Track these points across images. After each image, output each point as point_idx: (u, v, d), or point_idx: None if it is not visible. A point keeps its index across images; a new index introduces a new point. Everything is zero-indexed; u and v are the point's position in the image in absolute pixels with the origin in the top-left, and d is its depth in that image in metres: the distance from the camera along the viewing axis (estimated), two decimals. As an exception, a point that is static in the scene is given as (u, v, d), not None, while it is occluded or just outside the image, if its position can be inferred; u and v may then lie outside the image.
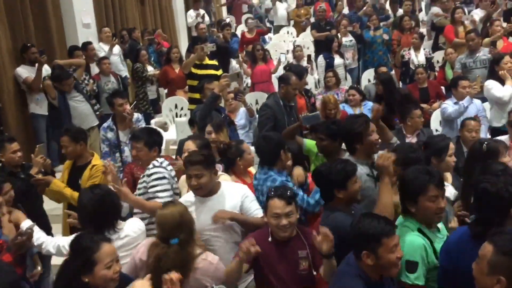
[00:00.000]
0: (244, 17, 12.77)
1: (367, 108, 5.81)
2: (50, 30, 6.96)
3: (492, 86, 5.18)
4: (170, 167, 3.58)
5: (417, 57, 7.11)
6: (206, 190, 3.09)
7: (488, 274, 1.99)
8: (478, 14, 8.23)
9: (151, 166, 3.52)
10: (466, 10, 8.08)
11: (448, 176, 3.49)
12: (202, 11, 11.13)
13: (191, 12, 11.06)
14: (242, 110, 5.95)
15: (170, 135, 6.72)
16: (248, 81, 8.13)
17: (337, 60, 7.47)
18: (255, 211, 3.12)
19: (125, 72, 7.67)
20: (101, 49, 7.41)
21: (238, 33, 10.60)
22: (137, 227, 2.98)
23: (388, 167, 2.48)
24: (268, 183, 3.31)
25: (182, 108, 7.13)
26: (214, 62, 6.37)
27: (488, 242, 2.04)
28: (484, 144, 3.34)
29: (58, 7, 7.18)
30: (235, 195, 3.15)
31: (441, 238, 2.62)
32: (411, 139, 4.66)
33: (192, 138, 3.96)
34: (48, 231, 3.86)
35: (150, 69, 7.64)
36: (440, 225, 2.70)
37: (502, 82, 5.18)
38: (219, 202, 3.10)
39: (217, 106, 4.92)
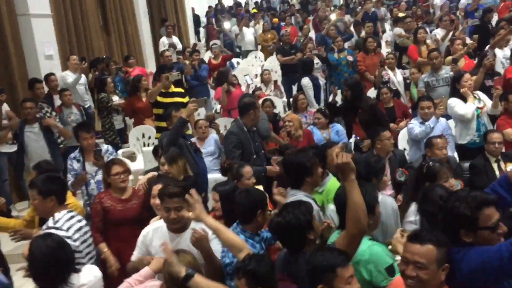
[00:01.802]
0: (211, 43, 12.83)
1: (335, 130, 5.83)
2: (10, 64, 6.80)
3: (455, 104, 5.25)
4: (70, 223, 3.15)
5: (396, 77, 7.20)
6: (182, 225, 2.98)
7: (438, 269, 2.12)
8: (439, 33, 8.46)
9: (44, 226, 3.13)
10: (428, 30, 8.26)
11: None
12: (175, 39, 11.13)
13: (164, 40, 11.05)
14: (212, 136, 5.89)
15: (137, 165, 6.58)
16: (217, 107, 8.10)
17: (304, 80, 7.43)
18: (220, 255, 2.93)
19: (89, 102, 7.53)
20: (68, 76, 7.24)
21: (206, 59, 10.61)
22: (93, 275, 2.77)
23: (350, 163, 2.39)
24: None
25: (149, 137, 7.02)
26: (180, 89, 6.34)
27: (425, 244, 2.13)
28: (425, 165, 3.37)
29: (18, 39, 7.03)
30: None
31: None
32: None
33: None
34: (7, 273, 3.67)
35: (116, 98, 7.52)
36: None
37: (465, 99, 5.27)
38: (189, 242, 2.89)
39: (183, 132, 4.86)
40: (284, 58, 8.89)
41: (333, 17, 11.62)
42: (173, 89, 6.09)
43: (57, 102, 6.78)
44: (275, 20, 13.68)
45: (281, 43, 9.75)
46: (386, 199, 3.39)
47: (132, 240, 3.25)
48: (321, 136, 5.70)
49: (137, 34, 11.42)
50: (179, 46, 10.68)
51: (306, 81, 7.30)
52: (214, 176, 5.16)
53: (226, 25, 13.15)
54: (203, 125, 5.92)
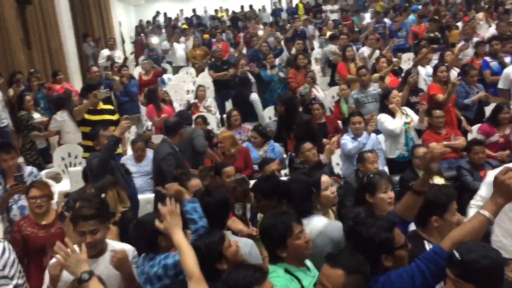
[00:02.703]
0: (140, 58, 12.53)
1: (271, 148, 5.81)
2: None
3: (384, 119, 5.43)
4: None
5: (319, 93, 7.35)
6: (98, 249, 2.77)
7: None
8: (365, 51, 8.78)
9: None
10: (354, 48, 8.54)
11: (331, 212, 3.46)
12: (118, 53, 10.73)
13: (105, 52, 10.62)
14: (149, 156, 5.68)
15: (63, 187, 6.19)
16: (148, 124, 7.86)
17: (253, 95, 7.40)
18: None
19: (7, 121, 7.03)
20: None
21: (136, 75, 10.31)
22: None
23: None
24: (155, 269, 2.69)
25: (76, 157, 6.65)
26: (109, 106, 6.07)
27: (335, 268, 2.10)
28: (365, 177, 3.39)
29: None
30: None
31: (311, 275, 2.56)
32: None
33: None
34: None
35: (37, 116, 7.06)
36: (309, 263, 2.66)
37: (393, 115, 5.46)
38: (108, 266, 2.74)
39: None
40: (216, 74, 8.83)
41: (261, 33, 11.77)
42: (102, 106, 5.82)
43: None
44: (206, 36, 13.63)
45: (213, 59, 9.69)
46: (317, 222, 3.04)
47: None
48: (257, 154, 5.67)
49: (61, 48, 10.87)
50: (120, 61, 10.29)
51: (254, 96, 7.28)
52: (147, 197, 4.96)
53: (154, 40, 12.88)
54: (140, 148, 5.70)
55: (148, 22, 18.70)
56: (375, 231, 2.25)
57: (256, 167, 5.27)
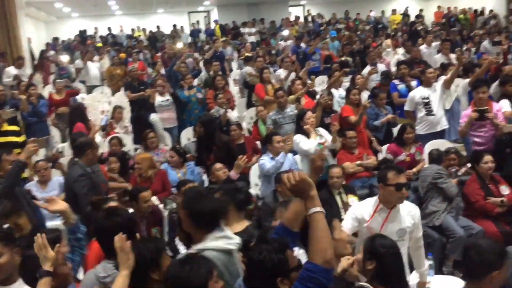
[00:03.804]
0: (51, 77, 11.92)
1: (190, 170, 5.73)
2: None
3: (299, 140, 5.55)
4: None
5: (232, 114, 7.40)
6: (3, 275, 2.52)
7: None
8: (281, 73, 9.02)
9: None
10: (271, 70, 8.75)
11: None
12: (28, 72, 10.08)
13: (11, 70, 9.92)
14: (56, 179, 5.36)
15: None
16: (59, 146, 7.46)
17: (153, 116, 7.24)
18: None
19: None
20: None
21: (46, 94, 9.77)
22: None
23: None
24: None
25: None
26: (15, 127, 5.70)
27: None
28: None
29: None
30: None
31: None
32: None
33: None
34: None
35: None
36: None
37: (308, 135, 5.60)
38: None
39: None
40: (133, 94, 8.61)
41: (179, 45, 11.70)
42: (6, 127, 5.47)
43: None
44: (122, 55, 13.29)
45: (129, 79, 9.44)
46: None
47: None
48: (176, 176, 5.56)
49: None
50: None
51: (153, 117, 7.13)
52: (55, 223, 4.65)
53: (64, 58, 12.33)
54: (42, 167, 5.36)
55: (56, 39, 17.87)
56: (266, 254, 2.21)
57: (174, 189, 5.18)
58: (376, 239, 2.79)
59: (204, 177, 5.87)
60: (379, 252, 2.69)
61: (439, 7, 21.08)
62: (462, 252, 2.61)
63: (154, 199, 4.87)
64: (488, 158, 4.93)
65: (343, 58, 10.97)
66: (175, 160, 5.65)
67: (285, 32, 15.75)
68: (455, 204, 4.89)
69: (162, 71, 11.13)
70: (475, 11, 19.11)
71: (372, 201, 3.62)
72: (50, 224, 4.59)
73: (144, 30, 20.19)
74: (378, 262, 2.67)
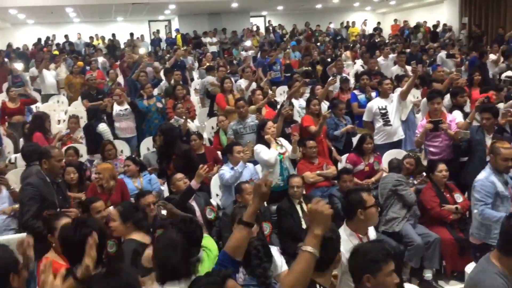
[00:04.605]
0: (5, 85, 11.50)
1: (147, 179, 5.63)
2: None
3: (260, 150, 5.56)
4: None
5: (194, 124, 7.34)
6: None
7: None
8: (242, 83, 9.03)
9: None
10: (233, 80, 8.74)
11: None
12: None
13: None
14: (4, 193, 5.12)
15: None
16: (12, 156, 7.17)
17: (101, 126, 7.05)
18: None
19: None
20: None
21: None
22: None
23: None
24: None
25: None
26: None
27: None
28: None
29: None
30: None
31: None
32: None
33: None
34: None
35: None
36: None
37: (269, 145, 5.61)
38: None
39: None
40: (90, 103, 8.41)
41: (141, 51, 11.53)
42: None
43: None
44: (80, 63, 12.99)
45: (87, 88, 9.23)
46: None
47: None
48: (133, 185, 5.45)
49: None
50: None
51: (102, 127, 6.98)
52: (7, 238, 4.46)
53: (18, 66, 11.92)
54: None
55: (9, 46, 17.28)
56: None
57: (132, 199, 5.06)
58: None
59: (164, 187, 5.79)
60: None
61: (395, 20, 21.74)
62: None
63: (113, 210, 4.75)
64: (442, 167, 5.07)
65: (304, 68, 11.11)
66: (131, 169, 5.54)
67: (248, 43, 15.84)
68: (413, 212, 5.00)
69: (121, 79, 10.96)
70: (434, 25, 19.70)
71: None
72: (2, 238, 4.41)
73: (103, 38, 19.83)
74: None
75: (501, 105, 6.77)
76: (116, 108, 7.62)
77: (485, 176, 4.29)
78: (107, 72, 12.99)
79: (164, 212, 4.09)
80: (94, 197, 4.58)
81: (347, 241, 3.15)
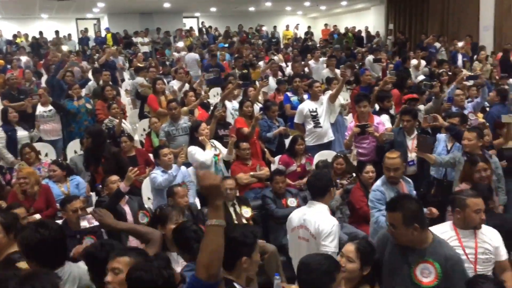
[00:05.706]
0: None
1: (75, 183, 5.40)
2: None
3: (195, 151, 5.51)
4: None
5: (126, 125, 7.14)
6: None
7: None
8: (175, 84, 8.90)
9: None
10: (165, 81, 8.58)
11: None
12: None
13: None
14: None
15: None
16: None
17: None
18: None
19: None
20: None
21: None
22: None
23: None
24: None
25: None
26: None
27: None
28: (157, 209, 3.61)
29: None
30: None
31: None
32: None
33: None
34: None
35: None
36: None
37: (203, 147, 5.57)
38: None
39: None
40: (12, 104, 7.92)
41: (64, 48, 11.05)
42: None
43: None
44: (1, 62, 12.24)
45: (7, 88, 8.69)
46: None
47: None
48: (59, 190, 5.20)
49: None
50: None
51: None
52: None
53: None
54: None
55: None
56: (157, 272, 2.20)
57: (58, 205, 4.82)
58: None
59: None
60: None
61: (326, 25, 22.36)
62: None
63: (37, 217, 4.50)
64: (369, 168, 5.25)
65: (237, 71, 11.14)
66: (57, 174, 5.29)
67: (180, 44, 15.64)
68: (343, 212, 5.14)
69: (43, 79, 10.44)
70: (358, 31, 20.40)
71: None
72: None
73: (26, 35, 18.78)
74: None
75: (421, 107, 7.12)
76: (40, 109, 7.26)
77: (376, 186, 4.35)
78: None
79: (84, 223, 3.81)
80: (15, 203, 4.33)
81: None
